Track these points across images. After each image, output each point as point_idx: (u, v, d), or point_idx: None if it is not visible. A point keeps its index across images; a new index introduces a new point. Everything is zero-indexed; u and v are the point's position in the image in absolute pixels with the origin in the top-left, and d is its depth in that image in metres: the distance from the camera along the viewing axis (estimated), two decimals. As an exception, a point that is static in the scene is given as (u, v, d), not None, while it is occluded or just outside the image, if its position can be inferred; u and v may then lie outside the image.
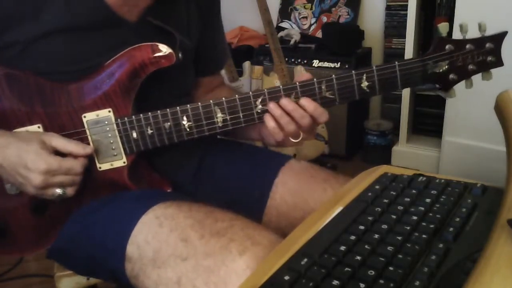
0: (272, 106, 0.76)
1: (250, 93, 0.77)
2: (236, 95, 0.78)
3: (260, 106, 0.78)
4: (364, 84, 0.76)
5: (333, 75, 0.76)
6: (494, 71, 0.77)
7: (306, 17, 2.57)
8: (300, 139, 0.79)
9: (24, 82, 0.76)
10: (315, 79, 0.76)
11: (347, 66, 2.23)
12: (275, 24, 2.46)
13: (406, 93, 2.23)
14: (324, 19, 2.52)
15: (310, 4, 2.56)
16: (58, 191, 0.73)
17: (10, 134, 0.74)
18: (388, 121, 2.38)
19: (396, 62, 0.75)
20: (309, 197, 0.85)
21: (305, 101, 0.76)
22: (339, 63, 2.24)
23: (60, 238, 0.81)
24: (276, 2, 2.62)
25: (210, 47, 0.98)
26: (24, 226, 0.81)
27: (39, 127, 0.76)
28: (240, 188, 0.91)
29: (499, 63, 0.76)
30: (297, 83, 0.76)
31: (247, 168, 0.94)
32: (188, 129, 0.78)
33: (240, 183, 0.92)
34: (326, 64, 2.28)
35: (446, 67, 0.75)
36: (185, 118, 0.78)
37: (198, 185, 0.94)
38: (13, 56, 0.75)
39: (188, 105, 0.78)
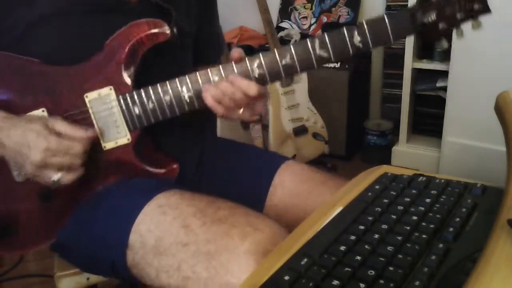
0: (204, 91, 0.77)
1: (246, 59, 0.77)
2: (233, 62, 0.77)
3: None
4: (357, 39, 0.76)
5: (325, 33, 0.77)
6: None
7: (306, 17, 2.56)
8: (242, 110, 0.78)
9: (26, 67, 0.77)
10: (308, 39, 0.77)
11: (347, 67, 2.23)
12: (275, 24, 2.46)
13: (406, 93, 2.23)
14: (324, 19, 2.52)
15: (310, 4, 2.56)
16: (55, 176, 0.72)
17: (16, 116, 0.74)
18: (388, 121, 2.38)
19: (385, 14, 0.75)
20: (307, 199, 0.85)
21: (232, 78, 0.76)
22: (339, 63, 2.24)
23: (63, 232, 0.81)
24: (276, 2, 2.62)
25: (209, 33, 0.99)
26: (32, 217, 0.81)
27: (43, 111, 0.77)
28: (239, 190, 0.91)
29: (486, 10, 0.74)
30: (291, 45, 0.77)
31: (246, 170, 0.94)
32: (188, 100, 0.79)
33: (238, 185, 0.92)
34: (326, 64, 2.27)
35: (435, 16, 0.75)
36: (184, 89, 0.78)
37: (197, 187, 0.94)
38: (10, 43, 0.76)
39: (186, 76, 0.78)
